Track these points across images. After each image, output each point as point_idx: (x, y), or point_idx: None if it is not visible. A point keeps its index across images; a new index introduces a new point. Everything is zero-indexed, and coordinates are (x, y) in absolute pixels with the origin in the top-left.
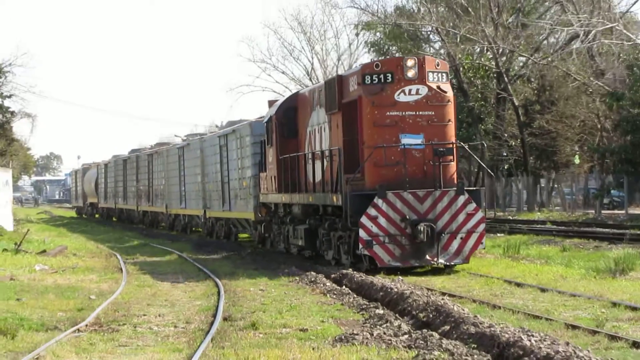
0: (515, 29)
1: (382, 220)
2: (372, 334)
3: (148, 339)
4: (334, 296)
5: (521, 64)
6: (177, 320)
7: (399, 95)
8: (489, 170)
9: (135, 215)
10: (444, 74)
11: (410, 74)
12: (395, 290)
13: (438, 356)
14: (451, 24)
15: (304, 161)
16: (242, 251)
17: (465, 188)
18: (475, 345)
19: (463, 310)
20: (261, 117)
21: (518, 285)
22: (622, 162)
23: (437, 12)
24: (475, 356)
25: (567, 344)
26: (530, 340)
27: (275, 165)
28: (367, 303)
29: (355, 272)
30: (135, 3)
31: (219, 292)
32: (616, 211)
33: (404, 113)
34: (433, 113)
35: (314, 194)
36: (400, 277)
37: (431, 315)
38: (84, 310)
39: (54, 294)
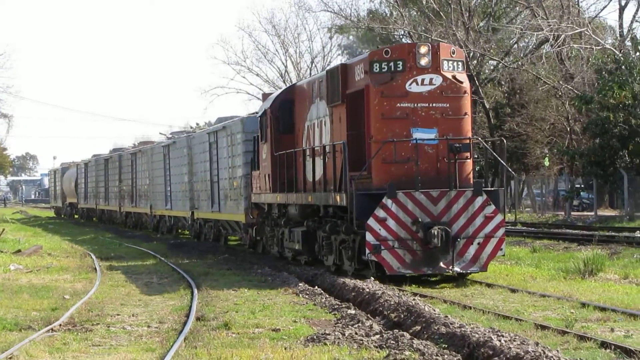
0: (486, 33)
1: (391, 223)
2: (343, 334)
3: (121, 338)
4: (307, 296)
5: (492, 67)
6: (151, 320)
7: (410, 85)
8: (509, 170)
9: (117, 216)
10: (459, 63)
11: (424, 62)
12: (367, 290)
13: (409, 356)
14: (423, 28)
15: (302, 158)
16: (217, 253)
17: (483, 188)
18: (446, 345)
19: (434, 310)
20: (253, 113)
21: (488, 285)
22: (591, 165)
23: (409, 16)
24: (446, 356)
25: (537, 344)
26: (500, 341)
27: (270, 163)
28: (339, 303)
29: (327, 272)
30: (110, 5)
31: (192, 292)
32: (585, 213)
33: (416, 105)
34: (448, 105)
35: (313, 194)
36: (371, 277)
37: (402, 316)
38: (57, 309)
39: (28, 294)
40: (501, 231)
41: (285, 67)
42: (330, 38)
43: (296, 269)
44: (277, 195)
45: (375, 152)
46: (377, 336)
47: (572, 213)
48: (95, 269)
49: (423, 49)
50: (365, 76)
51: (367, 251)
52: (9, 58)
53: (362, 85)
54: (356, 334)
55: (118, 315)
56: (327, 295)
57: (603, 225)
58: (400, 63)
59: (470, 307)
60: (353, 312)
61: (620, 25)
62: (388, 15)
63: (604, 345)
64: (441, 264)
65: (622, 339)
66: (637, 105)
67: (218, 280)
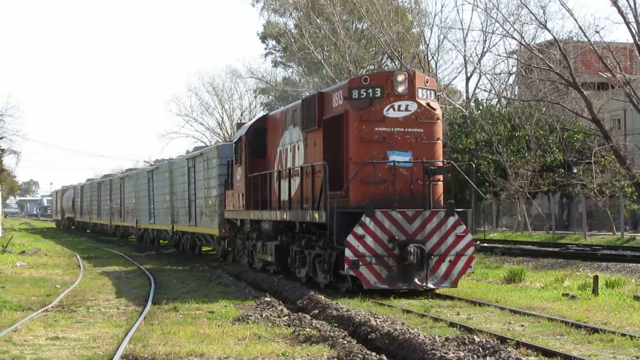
0: None
1: (369, 240)
2: (262, 315)
3: (97, 317)
4: (235, 288)
5: None
6: (119, 304)
7: (387, 110)
8: (479, 191)
9: (108, 228)
10: (432, 91)
11: (400, 89)
12: (278, 283)
13: (309, 332)
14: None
15: (276, 179)
16: (171, 257)
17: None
18: (337, 324)
19: (328, 299)
20: (228, 141)
21: None
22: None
23: (313, 82)
24: (336, 332)
25: (403, 323)
26: (376, 321)
27: (244, 183)
28: (259, 292)
29: (250, 270)
30: (90, 70)
31: (150, 284)
32: None
33: (392, 129)
34: (422, 130)
35: (289, 211)
36: (281, 275)
37: (305, 302)
38: (51, 295)
39: (29, 283)
40: (471, 250)
41: (222, 118)
42: (255, 97)
43: (227, 267)
44: (251, 212)
45: (355, 173)
46: (286, 317)
47: None
48: (80, 266)
49: (400, 77)
50: (345, 102)
51: (346, 266)
52: (18, 109)
53: (341, 110)
54: (271, 315)
55: (95, 300)
56: (250, 287)
57: None
58: (379, 90)
59: (355, 297)
60: (269, 299)
61: (467, 91)
62: (298, 81)
63: (452, 324)
64: (416, 280)
65: (465, 320)
66: (478, 149)
67: (170, 275)
